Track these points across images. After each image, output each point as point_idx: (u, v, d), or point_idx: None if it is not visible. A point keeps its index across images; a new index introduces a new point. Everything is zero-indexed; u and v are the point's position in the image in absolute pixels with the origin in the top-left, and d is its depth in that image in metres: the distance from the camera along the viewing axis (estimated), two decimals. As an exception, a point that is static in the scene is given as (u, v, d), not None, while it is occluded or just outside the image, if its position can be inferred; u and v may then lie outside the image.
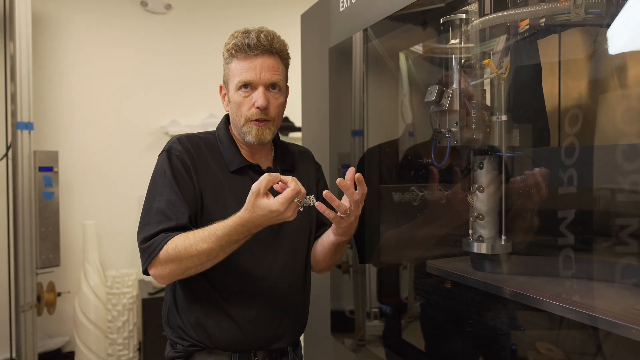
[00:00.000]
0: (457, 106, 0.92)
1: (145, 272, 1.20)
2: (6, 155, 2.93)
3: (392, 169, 1.68)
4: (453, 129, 0.92)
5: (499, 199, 0.97)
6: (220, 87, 1.38)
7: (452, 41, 0.95)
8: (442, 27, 0.97)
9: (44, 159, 2.98)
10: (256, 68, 1.24)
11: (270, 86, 1.27)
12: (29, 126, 2.85)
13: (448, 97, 0.91)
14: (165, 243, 1.13)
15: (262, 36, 1.25)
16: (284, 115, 3.87)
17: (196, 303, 1.28)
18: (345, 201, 1.16)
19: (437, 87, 0.91)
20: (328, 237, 1.32)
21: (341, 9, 1.68)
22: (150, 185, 1.27)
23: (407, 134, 1.66)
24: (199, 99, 3.65)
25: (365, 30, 1.52)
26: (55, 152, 3.07)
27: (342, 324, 1.82)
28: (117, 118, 3.53)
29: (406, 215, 1.54)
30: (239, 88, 1.26)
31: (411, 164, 1.58)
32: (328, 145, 1.85)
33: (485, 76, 0.93)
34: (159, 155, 1.30)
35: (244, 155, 1.34)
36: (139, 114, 3.59)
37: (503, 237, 0.98)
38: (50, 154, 3.04)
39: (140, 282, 3.49)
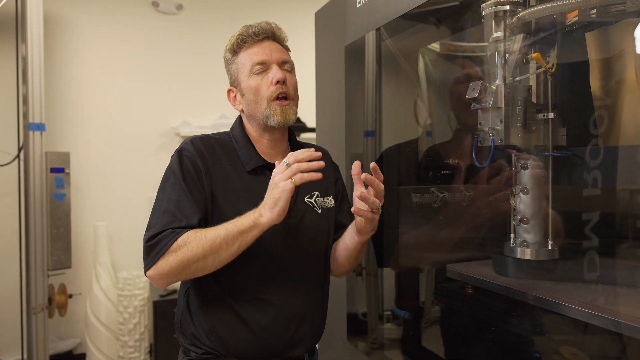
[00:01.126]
0: (501, 103, 0.87)
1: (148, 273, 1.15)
2: (18, 156, 2.92)
3: (411, 170, 1.64)
4: (497, 127, 0.88)
5: (544, 202, 0.93)
6: (228, 91, 1.35)
7: (495, 34, 0.91)
8: (482, 19, 0.93)
9: (55, 160, 2.97)
10: (265, 50, 1.26)
11: (283, 65, 1.28)
12: (40, 127, 2.83)
13: (492, 93, 0.87)
14: (176, 239, 1.10)
15: (263, 23, 1.29)
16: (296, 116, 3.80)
17: (210, 309, 1.24)
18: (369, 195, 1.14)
19: (480, 83, 0.87)
20: (352, 238, 1.28)
21: (358, 5, 1.65)
22: (160, 186, 1.23)
23: (426, 134, 1.61)
24: (210, 100, 3.63)
25: (378, 29, 1.49)
26: (66, 153, 3.05)
27: (359, 328, 1.78)
28: (128, 119, 3.52)
29: (427, 218, 1.50)
30: (253, 72, 1.26)
31: (431, 164, 1.54)
32: (344, 146, 1.81)
33: (531, 71, 0.88)
34: (172, 156, 1.27)
35: (261, 154, 1.30)
36: (151, 115, 3.57)
37: (550, 242, 0.94)
38: (61, 155, 3.02)
39: (152, 284, 3.46)
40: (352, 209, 1.12)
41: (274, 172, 1.11)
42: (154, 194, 1.23)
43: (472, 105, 0.91)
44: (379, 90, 1.61)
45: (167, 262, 1.10)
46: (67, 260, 3.00)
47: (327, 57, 2.00)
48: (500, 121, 0.87)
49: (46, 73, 2.93)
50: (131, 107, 3.53)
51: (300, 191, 1.31)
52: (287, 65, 1.29)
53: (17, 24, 2.86)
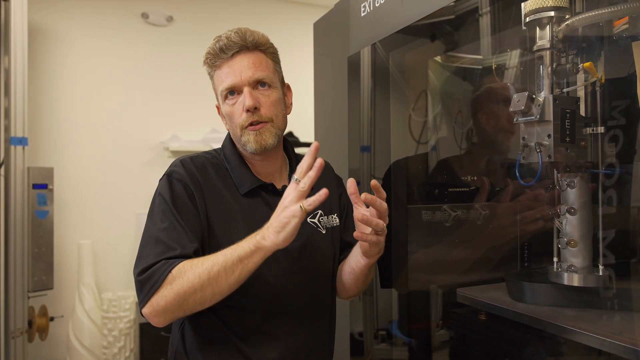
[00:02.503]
0: (549, 116, 0.81)
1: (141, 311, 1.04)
2: (-2, 172, 2.80)
3: (421, 185, 1.58)
4: (545, 143, 0.82)
5: (593, 223, 0.87)
6: (217, 106, 1.25)
7: (539, 42, 0.86)
8: (524, 27, 0.88)
9: (38, 176, 2.86)
10: (235, 70, 1.13)
11: (257, 84, 1.15)
12: (22, 141, 2.73)
13: (539, 105, 0.81)
14: (170, 270, 0.98)
15: (233, 34, 1.14)
16: (288, 130, 3.75)
17: (209, 345, 1.13)
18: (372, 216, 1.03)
19: (526, 94, 0.81)
20: (358, 262, 1.17)
21: (362, 14, 1.59)
22: (149, 214, 1.11)
23: (439, 146, 1.55)
24: (200, 113, 3.56)
25: (374, 44, 1.43)
26: (50, 169, 2.95)
27: (362, 351, 1.69)
28: (115, 133, 3.43)
29: (440, 237, 1.43)
30: (225, 97, 1.15)
31: (443, 179, 1.48)
32: (347, 161, 1.74)
33: (579, 82, 0.83)
34: (160, 179, 1.16)
35: (256, 174, 1.20)
36: (139, 129, 3.49)
37: (601, 267, 0.87)
38: (44, 170, 2.92)
39: (138, 305, 3.34)
40: (355, 233, 1.02)
41: (286, 192, 0.99)
42: (141, 211, 1.13)
43: (515, 118, 0.85)
44: (386, 102, 1.55)
45: (162, 296, 0.98)
46: (48, 281, 2.88)
47: (327, 69, 1.94)
48: (549, 136, 0.81)
49: (30, 85, 2.83)
50: (118, 121, 3.44)
51: None
52: (263, 82, 1.16)
53: (0, 34, 2.77)
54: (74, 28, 3.35)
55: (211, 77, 1.21)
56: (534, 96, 0.83)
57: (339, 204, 1.31)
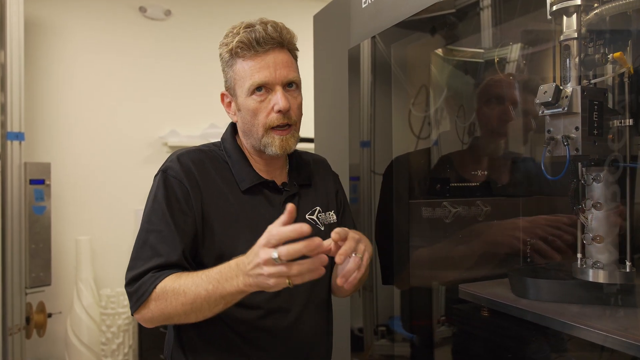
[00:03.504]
0: (577, 108, 0.80)
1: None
2: (-5, 167, 2.77)
3: (424, 180, 1.56)
4: (572, 135, 0.80)
5: (620, 218, 0.85)
6: (222, 95, 1.19)
7: (566, 32, 0.84)
8: (550, 16, 0.86)
9: (35, 171, 2.84)
10: (269, 66, 1.08)
11: (288, 84, 1.12)
12: (19, 136, 2.72)
13: (567, 97, 0.79)
14: (154, 287, 1.00)
15: (270, 28, 1.09)
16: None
17: (208, 344, 1.11)
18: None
19: (554, 85, 0.80)
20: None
21: (363, 5, 1.56)
22: (144, 211, 1.10)
23: (442, 141, 1.53)
24: (199, 109, 3.54)
25: (374, 37, 1.41)
26: (47, 164, 2.94)
27: (362, 347, 1.68)
28: (113, 128, 3.41)
29: (443, 233, 1.42)
30: (252, 92, 1.09)
31: (446, 174, 1.46)
32: (347, 157, 1.71)
33: (607, 73, 0.81)
34: (155, 176, 1.13)
35: (257, 170, 1.17)
36: (137, 124, 3.47)
37: (628, 264, 0.86)
38: (42, 165, 2.91)
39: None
40: (338, 280, 0.97)
41: (263, 256, 0.87)
42: (139, 207, 1.12)
43: (541, 110, 0.84)
44: (388, 96, 1.53)
45: (149, 310, 1.02)
46: (46, 277, 2.88)
47: (328, 62, 1.91)
48: (576, 128, 0.79)
49: (26, 80, 2.81)
50: (116, 116, 3.42)
51: (300, 208, 1.17)
52: (292, 83, 1.13)
53: (-4, 28, 2.74)
54: (71, 21, 3.33)
55: (230, 65, 1.14)
56: (561, 87, 0.81)
57: (335, 200, 1.30)
